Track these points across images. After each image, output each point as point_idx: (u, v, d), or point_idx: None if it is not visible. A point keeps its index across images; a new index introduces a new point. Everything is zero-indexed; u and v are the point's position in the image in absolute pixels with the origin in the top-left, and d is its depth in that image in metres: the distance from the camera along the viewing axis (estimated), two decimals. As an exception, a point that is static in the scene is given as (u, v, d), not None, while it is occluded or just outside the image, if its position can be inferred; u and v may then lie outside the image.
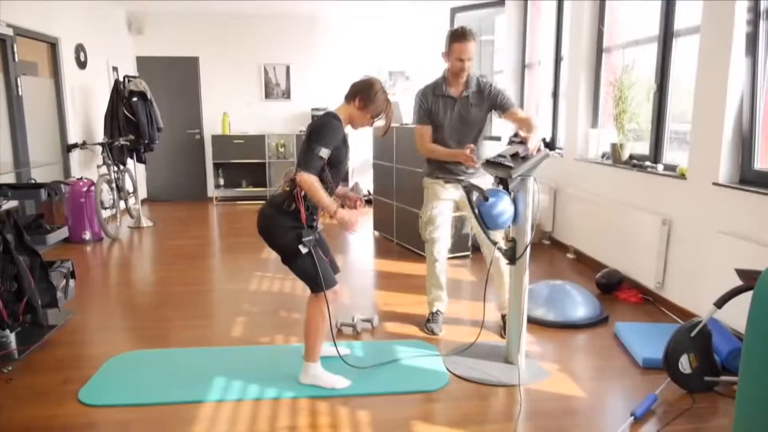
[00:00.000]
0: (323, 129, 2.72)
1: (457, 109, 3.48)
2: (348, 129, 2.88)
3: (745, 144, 3.49)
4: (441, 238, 3.66)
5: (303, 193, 2.72)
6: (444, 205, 3.64)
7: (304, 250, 2.74)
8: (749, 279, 2.60)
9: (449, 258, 3.81)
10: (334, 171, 2.82)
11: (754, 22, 3.37)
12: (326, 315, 2.86)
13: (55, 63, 6.40)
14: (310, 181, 2.62)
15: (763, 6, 3.33)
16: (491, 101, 3.47)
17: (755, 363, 1.77)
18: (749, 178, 3.47)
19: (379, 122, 2.97)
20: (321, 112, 3.26)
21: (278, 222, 2.75)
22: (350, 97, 2.85)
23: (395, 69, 9.11)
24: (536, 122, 3.33)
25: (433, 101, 3.51)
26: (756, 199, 3.26)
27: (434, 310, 3.76)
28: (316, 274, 2.78)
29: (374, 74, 3.00)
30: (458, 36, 3.31)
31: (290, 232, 2.73)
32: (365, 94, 2.81)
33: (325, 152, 2.66)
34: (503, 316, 3.67)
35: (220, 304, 4.31)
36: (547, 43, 6.49)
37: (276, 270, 5.10)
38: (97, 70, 7.49)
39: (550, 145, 6.24)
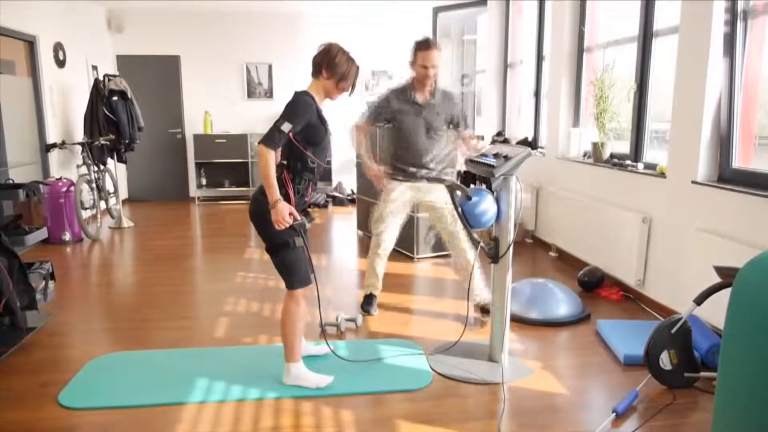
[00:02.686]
0: (291, 105, 2.71)
1: (423, 115, 3.67)
2: (327, 104, 2.88)
3: (723, 143, 3.54)
4: (387, 239, 3.86)
5: (291, 176, 2.72)
6: (398, 206, 3.79)
7: (299, 243, 2.73)
8: (727, 276, 2.65)
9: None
10: (318, 150, 2.81)
11: (731, 23, 3.42)
12: (301, 313, 2.85)
13: (33, 62, 6.30)
14: (265, 156, 2.58)
15: (740, 7, 3.39)
16: (450, 112, 3.71)
17: (734, 359, 1.79)
18: (727, 177, 3.52)
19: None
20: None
21: (268, 208, 2.64)
22: (316, 72, 2.84)
23: (378, 68, 9.10)
24: (477, 144, 3.69)
25: (397, 106, 3.68)
26: (734, 197, 3.30)
27: (368, 293, 4.00)
28: (306, 269, 2.79)
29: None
30: (422, 45, 3.56)
31: None
32: (328, 63, 2.80)
33: (287, 126, 2.62)
34: (477, 305, 3.81)
35: (203, 304, 4.27)
36: (528, 42, 6.52)
37: (259, 270, 5.07)
38: (76, 69, 7.38)
39: (532, 144, 6.28)
